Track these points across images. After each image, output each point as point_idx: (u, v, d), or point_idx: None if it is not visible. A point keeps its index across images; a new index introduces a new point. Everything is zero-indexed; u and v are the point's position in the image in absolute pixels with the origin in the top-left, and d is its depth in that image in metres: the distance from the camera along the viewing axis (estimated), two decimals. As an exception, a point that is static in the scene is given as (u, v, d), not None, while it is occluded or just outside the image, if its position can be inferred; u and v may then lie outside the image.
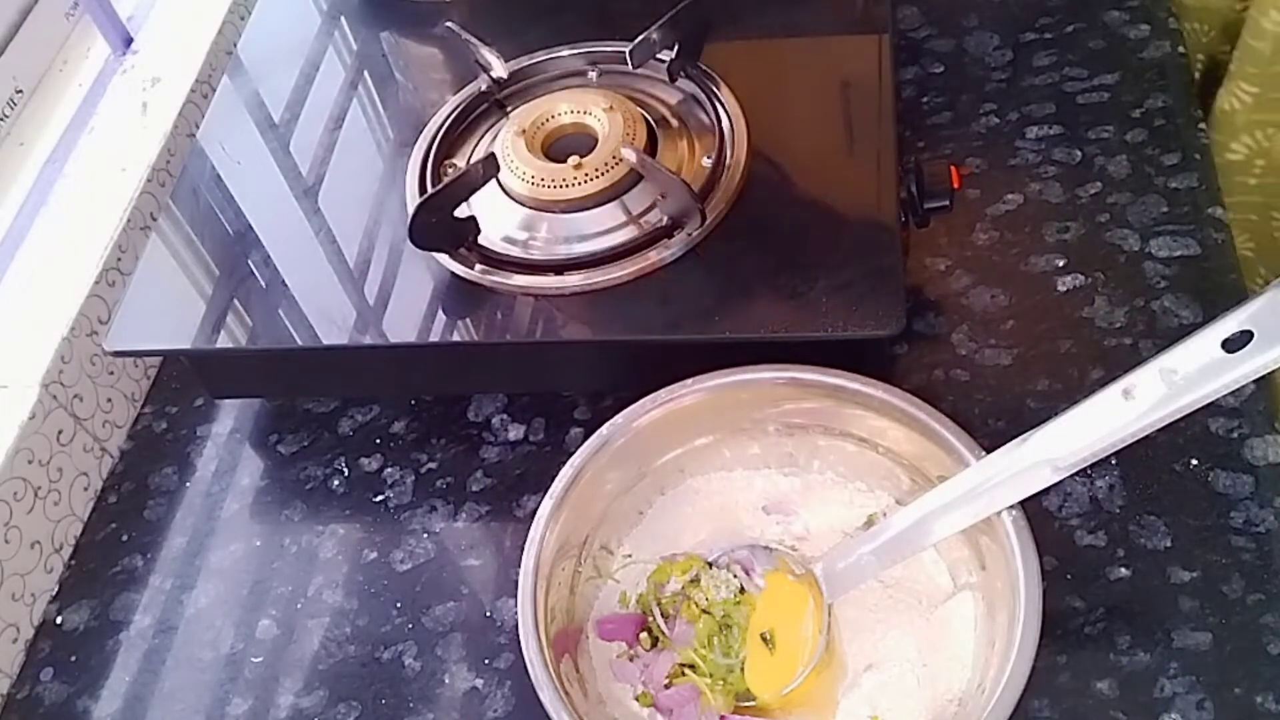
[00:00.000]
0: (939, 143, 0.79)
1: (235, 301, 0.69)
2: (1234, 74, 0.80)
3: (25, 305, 0.73)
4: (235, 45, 0.86)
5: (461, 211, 0.68)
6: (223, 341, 0.67)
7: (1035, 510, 0.60)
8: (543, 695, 0.51)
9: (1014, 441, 0.52)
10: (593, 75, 0.78)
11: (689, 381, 0.59)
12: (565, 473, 0.57)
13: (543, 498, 0.57)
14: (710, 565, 0.59)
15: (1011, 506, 0.52)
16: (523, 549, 0.55)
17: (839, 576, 0.57)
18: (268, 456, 0.72)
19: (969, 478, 0.53)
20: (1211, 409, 0.64)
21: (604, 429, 0.59)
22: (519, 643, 0.53)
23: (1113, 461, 0.63)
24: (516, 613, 0.56)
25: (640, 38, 0.73)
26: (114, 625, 0.67)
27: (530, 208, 0.70)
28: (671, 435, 0.61)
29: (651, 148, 0.71)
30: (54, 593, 0.69)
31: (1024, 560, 0.51)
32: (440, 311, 0.67)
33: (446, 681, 0.62)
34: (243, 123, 0.79)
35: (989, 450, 0.53)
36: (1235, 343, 0.46)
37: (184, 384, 0.77)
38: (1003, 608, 0.52)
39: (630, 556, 0.62)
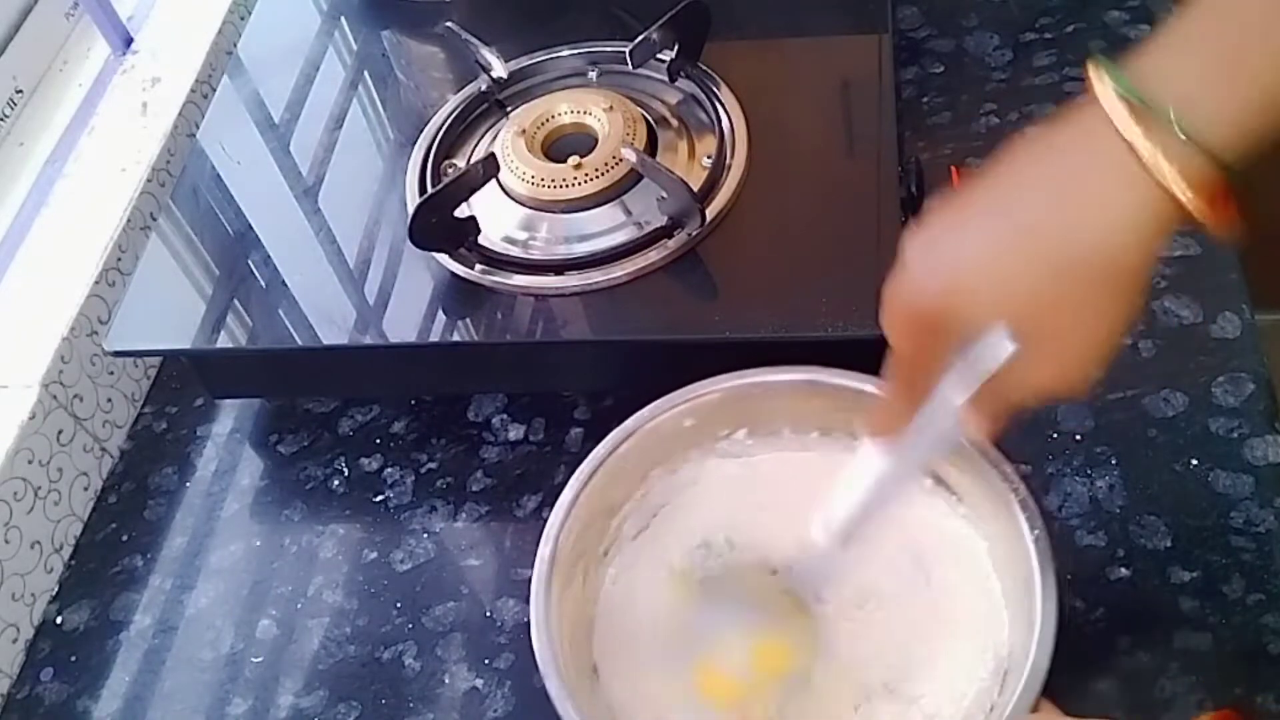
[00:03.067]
0: (939, 143, 0.78)
1: (235, 301, 0.69)
2: None
3: (25, 305, 0.73)
4: (235, 45, 0.86)
5: (461, 211, 0.68)
6: (223, 341, 0.67)
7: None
8: (549, 684, 0.51)
9: None
10: (593, 75, 0.78)
11: (713, 379, 0.59)
12: (584, 467, 0.57)
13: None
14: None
15: (1034, 527, 0.52)
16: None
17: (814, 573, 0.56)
18: (268, 456, 0.72)
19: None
20: (1211, 409, 0.64)
21: (628, 422, 0.58)
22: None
23: (1113, 461, 0.63)
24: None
25: (640, 38, 0.73)
26: (114, 625, 0.67)
27: (530, 208, 0.70)
28: (692, 433, 0.61)
29: (651, 148, 0.71)
30: (54, 593, 0.69)
31: (1043, 581, 0.51)
32: (440, 311, 0.67)
33: (446, 681, 0.62)
34: (243, 123, 0.79)
35: (1000, 449, 0.53)
36: None
37: (184, 384, 0.77)
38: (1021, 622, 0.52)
39: (645, 553, 0.61)
